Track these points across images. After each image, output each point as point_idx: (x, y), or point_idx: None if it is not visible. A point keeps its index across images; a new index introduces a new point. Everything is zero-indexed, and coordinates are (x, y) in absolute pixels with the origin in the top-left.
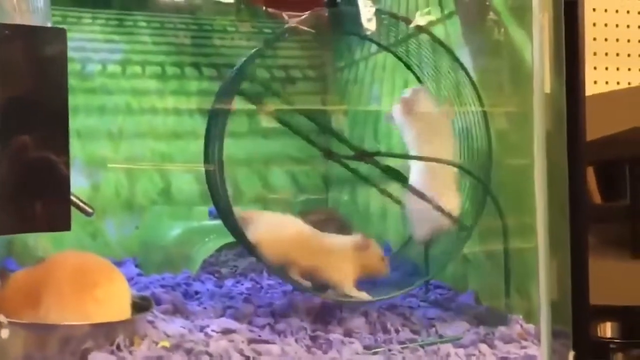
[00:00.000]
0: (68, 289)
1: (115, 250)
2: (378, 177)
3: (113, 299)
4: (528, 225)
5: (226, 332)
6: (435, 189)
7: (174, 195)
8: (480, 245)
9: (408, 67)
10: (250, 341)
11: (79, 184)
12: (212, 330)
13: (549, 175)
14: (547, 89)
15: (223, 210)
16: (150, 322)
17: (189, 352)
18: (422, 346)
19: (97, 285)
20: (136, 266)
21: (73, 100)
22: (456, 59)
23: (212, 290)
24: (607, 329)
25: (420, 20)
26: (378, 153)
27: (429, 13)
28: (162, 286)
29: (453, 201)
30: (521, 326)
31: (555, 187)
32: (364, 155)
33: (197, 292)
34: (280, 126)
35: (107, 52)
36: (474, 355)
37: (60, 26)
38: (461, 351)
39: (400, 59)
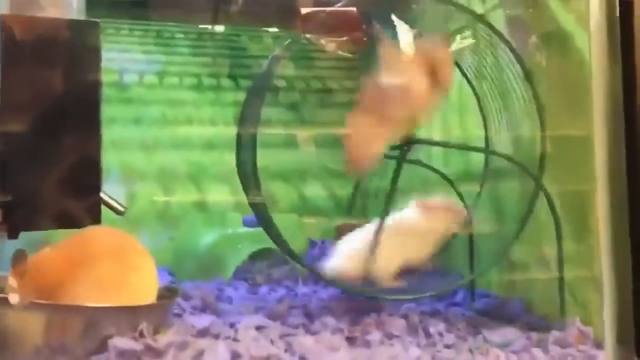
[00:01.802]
0: (107, 268)
1: None
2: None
3: (146, 284)
4: (584, 226)
5: (257, 328)
6: None
7: (208, 206)
8: (530, 250)
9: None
10: (282, 335)
11: (113, 194)
12: (242, 326)
13: (609, 172)
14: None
15: (262, 217)
16: (178, 315)
17: (216, 337)
18: (470, 351)
19: (133, 268)
20: (169, 274)
21: (109, 110)
22: (512, 49)
23: (244, 295)
24: None
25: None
26: (420, 141)
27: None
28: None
29: None
30: (578, 329)
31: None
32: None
33: (229, 297)
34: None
35: (145, 63)
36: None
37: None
38: (513, 356)
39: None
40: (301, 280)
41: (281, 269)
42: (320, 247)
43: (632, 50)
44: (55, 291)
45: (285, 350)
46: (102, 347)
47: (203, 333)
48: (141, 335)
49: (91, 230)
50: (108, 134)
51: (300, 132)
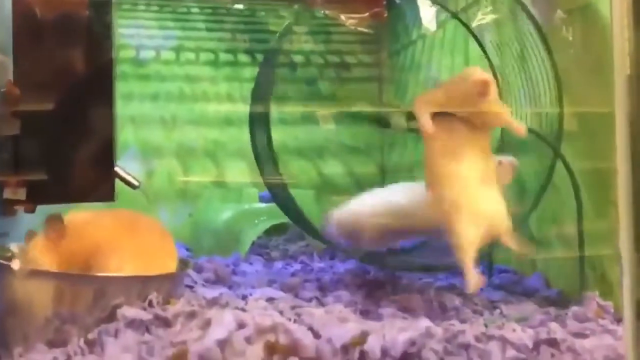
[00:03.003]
0: (155, 242)
1: None
2: None
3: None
4: (605, 200)
5: (268, 299)
6: None
7: (225, 182)
8: (550, 225)
9: (474, 36)
10: (293, 307)
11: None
12: (253, 297)
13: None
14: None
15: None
16: (190, 287)
17: (224, 307)
18: (485, 325)
19: (168, 237)
20: (187, 250)
21: (127, 87)
22: (533, 19)
23: (260, 270)
24: None
25: None
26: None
27: None
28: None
29: None
30: (598, 304)
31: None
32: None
33: (243, 272)
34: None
35: (161, 39)
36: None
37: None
38: (529, 330)
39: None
40: (317, 256)
41: (297, 244)
42: None
43: None
44: (94, 256)
45: (294, 321)
46: (111, 316)
47: (212, 303)
48: (150, 304)
49: (122, 210)
50: (126, 110)
51: (319, 108)
